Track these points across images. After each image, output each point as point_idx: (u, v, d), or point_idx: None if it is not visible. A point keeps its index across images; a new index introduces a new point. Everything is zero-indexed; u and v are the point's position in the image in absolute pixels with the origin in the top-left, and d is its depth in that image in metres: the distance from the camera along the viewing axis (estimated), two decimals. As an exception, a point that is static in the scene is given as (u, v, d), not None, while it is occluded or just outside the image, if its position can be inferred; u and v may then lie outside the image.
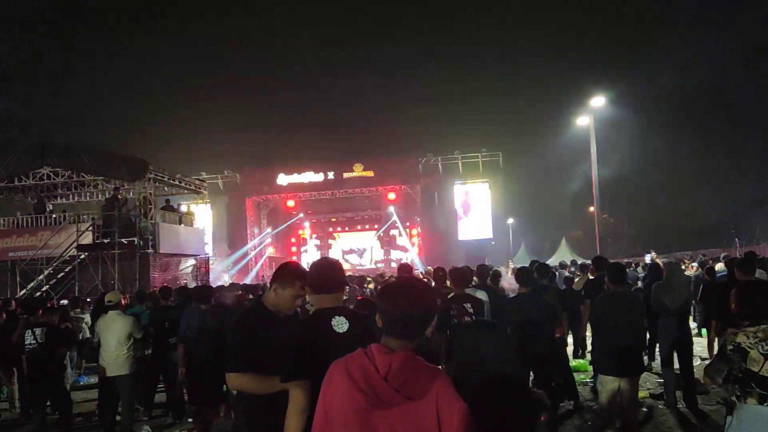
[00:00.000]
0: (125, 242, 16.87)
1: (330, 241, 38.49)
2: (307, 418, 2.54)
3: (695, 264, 15.17)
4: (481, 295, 6.30)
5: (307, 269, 3.14)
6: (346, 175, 33.61)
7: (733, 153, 51.32)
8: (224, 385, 6.43)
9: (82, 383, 10.19)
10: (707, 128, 56.13)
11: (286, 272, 3.21)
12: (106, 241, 16.90)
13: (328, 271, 2.93)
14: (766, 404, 3.07)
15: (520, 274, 6.04)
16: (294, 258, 34.68)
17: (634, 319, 5.29)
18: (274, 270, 3.43)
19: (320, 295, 2.86)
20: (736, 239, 27.50)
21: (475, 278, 7.75)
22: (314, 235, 38.68)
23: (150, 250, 17.31)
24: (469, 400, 1.86)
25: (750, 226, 34.41)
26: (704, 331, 9.58)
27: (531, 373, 5.66)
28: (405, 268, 9.29)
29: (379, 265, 36.09)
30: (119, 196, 17.94)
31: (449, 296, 5.62)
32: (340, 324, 2.72)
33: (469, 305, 5.26)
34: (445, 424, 1.78)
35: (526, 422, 2.04)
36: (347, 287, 12.29)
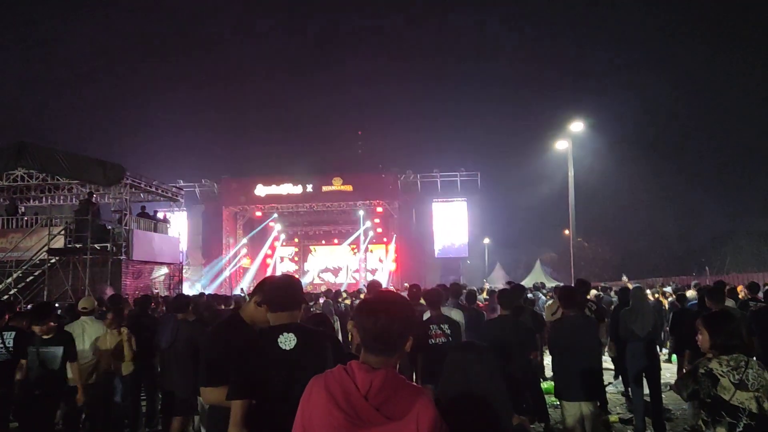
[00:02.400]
0: (98, 247, 16.60)
1: (307, 257, 38.32)
2: None
3: (668, 289, 15.35)
4: (456, 314, 6.34)
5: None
6: (324, 188, 33.59)
7: (707, 184, 52.45)
8: (197, 397, 6.38)
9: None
10: (684, 158, 57.35)
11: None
12: (78, 245, 16.61)
13: (284, 290, 2.90)
14: (734, 433, 3.13)
15: (501, 296, 6.09)
16: (269, 270, 34.42)
17: (589, 342, 5.39)
18: (249, 281, 3.40)
19: (276, 313, 2.84)
20: (707, 268, 28.01)
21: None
22: (291, 248, 38.46)
23: (123, 257, 17.07)
24: (454, 422, 1.86)
25: (720, 255, 35.11)
26: (674, 357, 9.70)
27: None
28: (374, 285, 9.28)
29: (355, 275, 35.96)
30: (93, 201, 17.68)
31: (426, 317, 5.63)
32: (287, 341, 2.69)
33: (446, 326, 5.28)
34: None
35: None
36: (321, 301, 12.31)
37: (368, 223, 34.76)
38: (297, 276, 3.26)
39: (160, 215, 21.01)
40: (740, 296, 10.10)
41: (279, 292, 2.89)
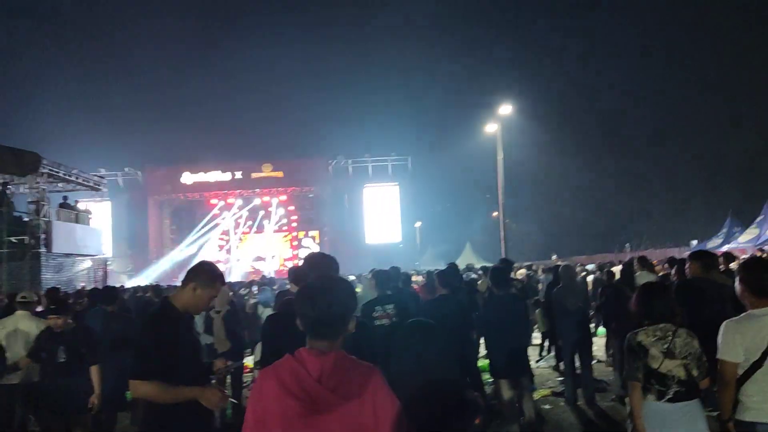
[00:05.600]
0: (14, 240, 15.73)
1: (237, 246, 37.52)
2: None
3: (590, 267, 15.98)
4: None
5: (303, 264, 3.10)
6: (254, 175, 33.04)
7: (624, 166, 54.88)
8: (128, 392, 6.14)
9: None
10: (603, 143, 59.73)
11: (206, 272, 3.10)
12: (-8, 239, 15.68)
13: (325, 270, 2.90)
14: (663, 400, 3.27)
15: (441, 276, 6.19)
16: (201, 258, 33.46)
17: (517, 320, 5.59)
18: (190, 269, 3.23)
19: None
20: (627, 245, 29.37)
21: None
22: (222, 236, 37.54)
23: (42, 250, 16.24)
24: (407, 401, 1.87)
25: (638, 233, 36.88)
26: (600, 330, 10.14)
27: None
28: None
29: (288, 263, 35.60)
30: (8, 192, 16.69)
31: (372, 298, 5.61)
32: None
33: (391, 307, 5.28)
34: (381, 421, 1.80)
35: (462, 423, 2.09)
36: (254, 289, 12.13)
37: (236, 212, 34.79)
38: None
39: (82, 206, 20.10)
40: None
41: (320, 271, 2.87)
